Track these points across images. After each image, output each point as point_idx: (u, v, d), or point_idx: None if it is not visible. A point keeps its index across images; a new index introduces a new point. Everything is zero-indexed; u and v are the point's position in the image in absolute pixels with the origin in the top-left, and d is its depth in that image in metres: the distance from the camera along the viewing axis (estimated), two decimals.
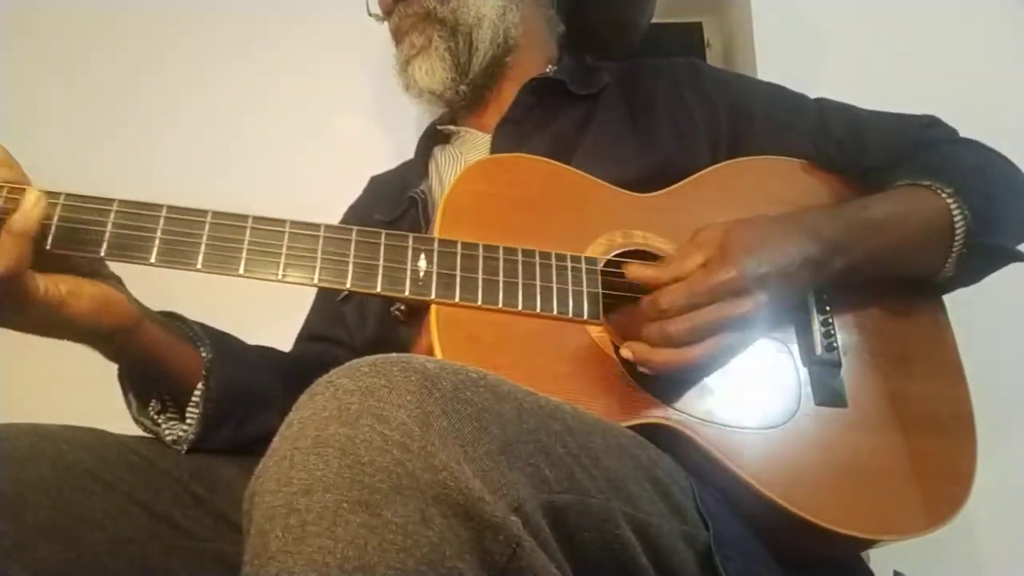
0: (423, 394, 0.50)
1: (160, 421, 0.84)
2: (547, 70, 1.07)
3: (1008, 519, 1.21)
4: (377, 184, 1.20)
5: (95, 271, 0.76)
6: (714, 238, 0.77)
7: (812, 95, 1.03)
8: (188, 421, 0.83)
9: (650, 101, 1.01)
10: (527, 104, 1.03)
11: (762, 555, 0.74)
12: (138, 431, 0.85)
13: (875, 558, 0.94)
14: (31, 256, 0.68)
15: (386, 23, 1.10)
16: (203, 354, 0.83)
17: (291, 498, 0.46)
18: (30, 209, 0.68)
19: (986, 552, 1.22)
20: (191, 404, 0.83)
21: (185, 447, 0.83)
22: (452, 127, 1.11)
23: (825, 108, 1.00)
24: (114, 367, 0.84)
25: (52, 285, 0.70)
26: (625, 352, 0.76)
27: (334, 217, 1.16)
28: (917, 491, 0.79)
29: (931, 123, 0.97)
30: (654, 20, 1.24)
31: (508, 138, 1.00)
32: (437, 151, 1.12)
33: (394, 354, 0.54)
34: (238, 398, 0.85)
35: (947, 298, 0.91)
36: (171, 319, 0.86)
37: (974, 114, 0.97)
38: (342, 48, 1.50)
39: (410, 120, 1.44)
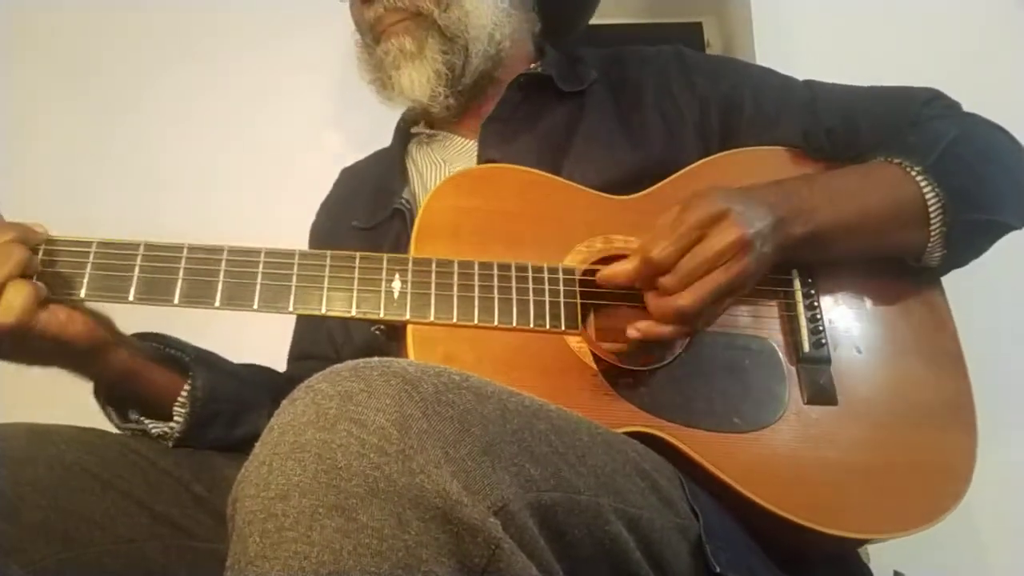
0: (403, 397, 0.50)
1: (146, 421, 0.85)
2: (532, 66, 1.04)
3: (1010, 519, 1.20)
4: (350, 180, 1.16)
5: None
6: (677, 205, 0.76)
7: None
8: (175, 419, 0.84)
9: (638, 97, 0.99)
10: (514, 101, 1.00)
11: (753, 547, 0.74)
12: None
13: (875, 558, 0.94)
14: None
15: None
16: (185, 359, 0.84)
17: (269, 503, 0.46)
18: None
19: (987, 552, 1.21)
20: (177, 404, 0.84)
21: (171, 443, 0.84)
22: (430, 131, 1.07)
23: (817, 94, 0.97)
24: None
25: (52, 316, 0.72)
26: (632, 331, 0.74)
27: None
28: (911, 487, 0.78)
29: (931, 98, 0.94)
30: (654, 20, 1.24)
31: (496, 136, 0.97)
32: (413, 149, 1.08)
33: (375, 358, 0.54)
34: (226, 399, 0.86)
35: (947, 285, 0.89)
36: (151, 339, 0.86)
37: (976, 109, 0.96)
38: (327, 59, 1.50)
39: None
